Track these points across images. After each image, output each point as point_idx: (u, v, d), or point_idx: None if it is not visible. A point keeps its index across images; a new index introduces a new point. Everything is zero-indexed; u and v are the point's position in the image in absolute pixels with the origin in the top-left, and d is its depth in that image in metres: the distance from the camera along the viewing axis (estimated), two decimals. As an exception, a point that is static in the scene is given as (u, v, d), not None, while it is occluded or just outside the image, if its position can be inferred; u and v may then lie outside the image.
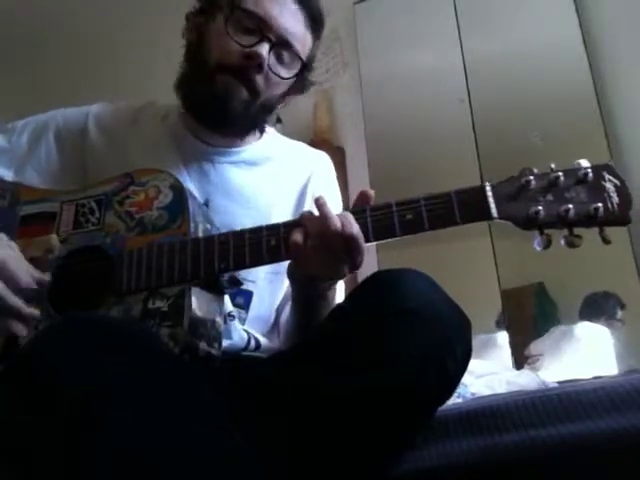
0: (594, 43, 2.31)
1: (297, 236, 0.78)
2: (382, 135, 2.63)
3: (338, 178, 1.16)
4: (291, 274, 0.88)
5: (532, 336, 2.24)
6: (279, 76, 0.97)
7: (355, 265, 0.78)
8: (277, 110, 1.06)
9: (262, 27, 0.94)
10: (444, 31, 2.58)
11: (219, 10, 0.97)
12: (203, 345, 0.79)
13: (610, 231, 0.77)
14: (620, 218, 0.74)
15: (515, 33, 2.49)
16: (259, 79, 0.95)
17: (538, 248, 0.77)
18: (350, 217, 0.77)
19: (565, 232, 0.76)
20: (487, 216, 0.77)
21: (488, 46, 2.52)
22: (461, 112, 2.45)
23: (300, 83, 1.04)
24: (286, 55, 0.97)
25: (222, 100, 0.94)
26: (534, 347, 2.19)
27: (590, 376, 1.80)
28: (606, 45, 2.30)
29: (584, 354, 2.09)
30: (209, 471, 0.58)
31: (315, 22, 1.00)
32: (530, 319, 2.32)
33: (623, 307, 2.12)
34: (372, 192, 0.81)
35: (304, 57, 1.00)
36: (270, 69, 0.95)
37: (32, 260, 0.89)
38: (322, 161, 1.14)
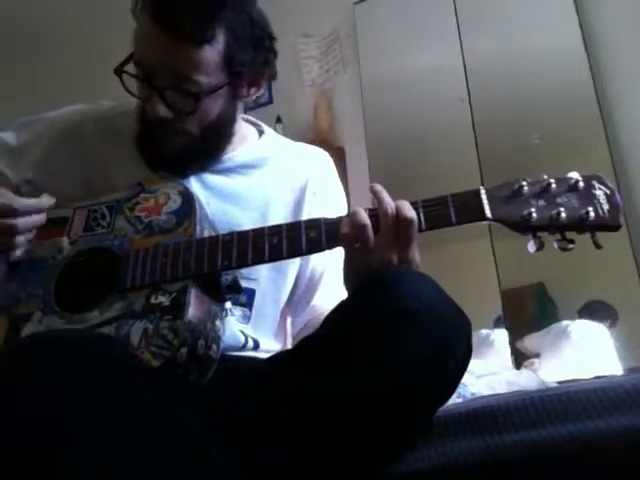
0: (594, 43, 2.31)
1: (345, 228, 0.79)
2: (382, 135, 2.63)
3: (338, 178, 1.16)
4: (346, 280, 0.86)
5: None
6: (189, 112, 0.91)
7: (405, 254, 0.79)
8: (265, 99, 1.05)
9: (146, 75, 0.90)
10: (444, 31, 2.58)
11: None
12: (202, 343, 0.80)
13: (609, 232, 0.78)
14: (611, 222, 0.77)
15: (515, 33, 2.49)
16: (178, 124, 0.92)
17: (531, 250, 0.79)
18: (407, 203, 0.80)
19: (558, 236, 0.78)
20: (481, 217, 0.79)
21: (488, 46, 2.52)
22: (461, 112, 2.45)
23: (244, 72, 0.94)
24: (184, 87, 0.89)
25: (160, 150, 0.95)
26: (529, 341, 2.20)
27: (590, 375, 1.80)
28: (606, 45, 2.30)
29: (582, 352, 2.09)
30: None
31: (193, 35, 0.87)
32: (530, 319, 2.32)
33: (617, 316, 2.13)
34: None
35: (206, 71, 0.89)
36: (179, 111, 0.90)
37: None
38: (321, 158, 1.13)
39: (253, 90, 1.00)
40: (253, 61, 0.95)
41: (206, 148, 0.98)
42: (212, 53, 0.89)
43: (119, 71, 0.93)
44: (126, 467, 0.56)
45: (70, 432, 0.56)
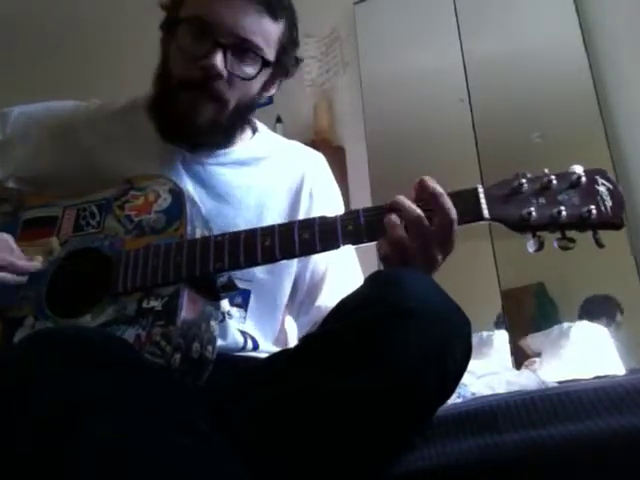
0: (594, 43, 2.31)
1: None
2: (382, 135, 2.63)
3: (338, 178, 1.15)
4: None
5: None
6: (244, 77, 0.93)
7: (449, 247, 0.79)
8: (265, 100, 1.04)
9: (211, 32, 0.90)
10: (444, 31, 2.58)
11: (174, 25, 0.94)
12: (196, 346, 0.79)
13: (608, 231, 0.77)
14: (614, 220, 0.75)
15: (515, 33, 2.49)
16: (223, 87, 0.92)
17: (531, 250, 0.77)
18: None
19: (558, 235, 0.76)
20: (479, 217, 0.77)
21: (488, 46, 2.52)
22: (461, 112, 2.45)
23: (281, 68, 0.99)
24: (248, 52, 0.92)
25: (188, 118, 0.93)
26: (532, 340, 2.19)
27: (590, 375, 1.80)
28: (606, 45, 2.30)
29: (583, 353, 2.09)
30: None
31: (271, 7, 0.92)
32: (530, 319, 2.33)
33: (622, 311, 2.12)
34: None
35: (270, 46, 0.94)
36: (233, 73, 0.91)
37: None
38: (316, 160, 1.12)
39: (272, 88, 1.02)
40: (290, 59, 0.99)
41: (230, 126, 0.98)
42: (276, 31, 0.94)
43: (177, 21, 0.93)
44: (129, 460, 0.56)
45: (77, 423, 0.57)
